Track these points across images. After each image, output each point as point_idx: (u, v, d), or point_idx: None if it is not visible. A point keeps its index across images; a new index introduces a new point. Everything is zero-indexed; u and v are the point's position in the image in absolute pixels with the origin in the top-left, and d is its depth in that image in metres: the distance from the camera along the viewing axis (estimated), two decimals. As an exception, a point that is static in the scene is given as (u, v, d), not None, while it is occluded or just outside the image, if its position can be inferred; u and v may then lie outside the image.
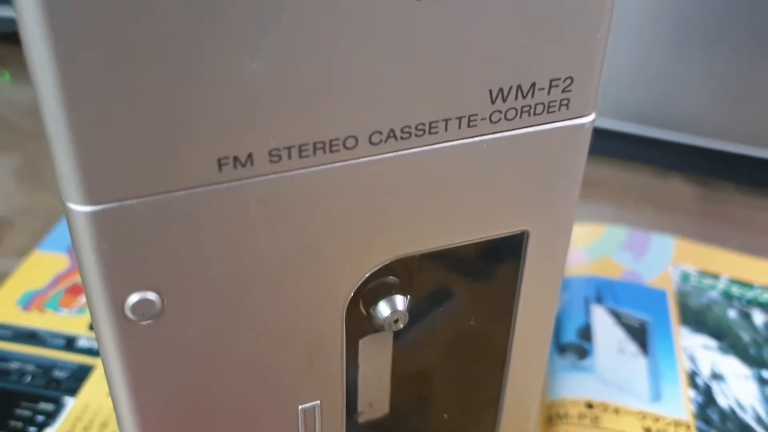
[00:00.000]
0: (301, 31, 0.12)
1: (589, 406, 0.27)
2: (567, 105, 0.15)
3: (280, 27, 0.12)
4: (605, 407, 0.27)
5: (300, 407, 0.17)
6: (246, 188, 0.13)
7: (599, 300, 0.32)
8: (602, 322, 0.31)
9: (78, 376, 0.29)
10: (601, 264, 0.34)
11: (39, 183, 0.41)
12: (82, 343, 0.31)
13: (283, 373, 0.16)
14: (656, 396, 0.28)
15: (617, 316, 0.31)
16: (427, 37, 0.13)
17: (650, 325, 0.31)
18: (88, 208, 0.12)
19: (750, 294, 0.33)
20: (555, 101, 0.15)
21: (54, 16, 0.11)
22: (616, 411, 0.27)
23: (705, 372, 0.29)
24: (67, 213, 0.13)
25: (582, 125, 0.15)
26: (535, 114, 0.15)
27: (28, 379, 0.29)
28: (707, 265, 0.35)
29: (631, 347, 0.30)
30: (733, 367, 0.29)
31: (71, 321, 0.31)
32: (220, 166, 0.13)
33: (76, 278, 0.34)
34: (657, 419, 0.27)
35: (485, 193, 0.16)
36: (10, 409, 0.28)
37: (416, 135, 0.14)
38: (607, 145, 0.44)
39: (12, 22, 0.11)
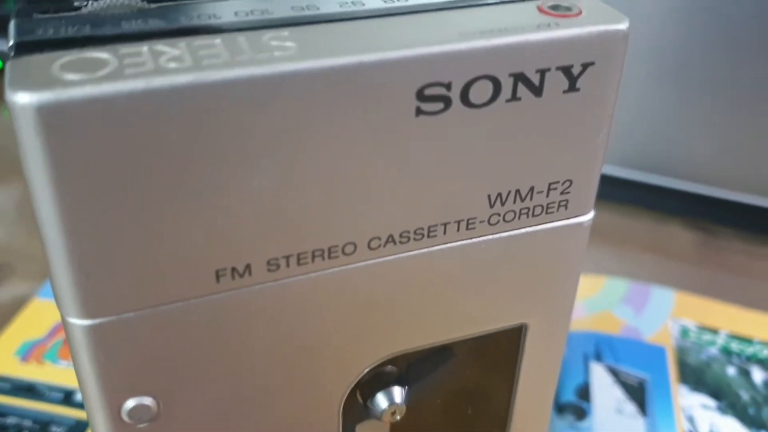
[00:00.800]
0: (303, 150, 0.12)
1: (587, 470, 0.27)
2: (566, 206, 0.15)
3: (282, 147, 0.12)
4: (603, 472, 0.27)
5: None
6: (243, 296, 0.13)
7: (598, 357, 0.32)
8: (601, 381, 0.31)
9: (75, 432, 0.29)
10: (600, 318, 0.34)
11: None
12: (80, 397, 0.30)
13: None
14: (655, 460, 0.28)
15: (616, 374, 0.31)
16: (425, 149, 0.13)
17: (649, 383, 0.31)
18: (86, 322, 0.12)
19: (749, 350, 0.33)
20: (554, 203, 0.15)
21: (54, 150, 0.11)
22: (615, 476, 0.27)
23: (704, 433, 0.29)
24: (64, 324, 0.13)
25: (580, 224, 0.15)
26: (533, 215, 0.15)
27: (25, 435, 0.29)
28: (706, 319, 0.35)
29: (630, 408, 0.30)
30: (731, 429, 0.29)
31: (70, 374, 0.31)
32: (217, 277, 0.13)
33: (75, 327, 0.34)
34: (656, 485, 0.27)
35: (483, 290, 0.16)
36: (6, 468, 0.27)
37: (414, 239, 0.14)
38: (607, 190, 0.44)
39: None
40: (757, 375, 0.32)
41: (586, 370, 0.31)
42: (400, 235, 0.14)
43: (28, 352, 0.32)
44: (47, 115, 0.10)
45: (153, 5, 0.13)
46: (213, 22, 0.13)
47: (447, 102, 0.13)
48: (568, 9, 0.14)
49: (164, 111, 0.11)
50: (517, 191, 0.14)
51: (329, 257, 0.14)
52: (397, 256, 0.14)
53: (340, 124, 0.12)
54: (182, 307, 0.13)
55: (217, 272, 0.13)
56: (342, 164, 0.13)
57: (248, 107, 0.11)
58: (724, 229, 0.44)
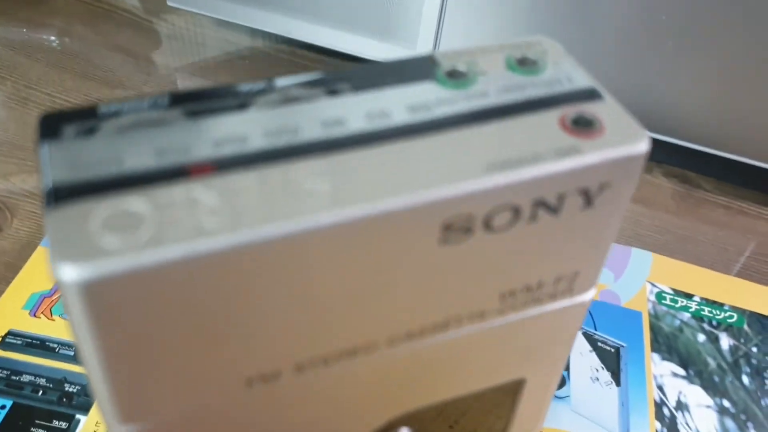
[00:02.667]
0: (334, 276, 0.13)
1: (563, 438, 0.29)
2: (570, 291, 0.16)
3: (314, 280, 0.13)
4: (578, 440, 0.29)
5: None
6: (271, 394, 0.14)
7: (579, 323, 0.34)
8: (579, 348, 0.33)
9: (88, 392, 0.31)
10: (583, 282, 0.35)
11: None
12: (87, 353, 0.32)
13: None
14: (625, 428, 0.30)
15: (594, 341, 0.33)
16: (445, 268, 0.14)
17: (624, 350, 0.33)
18: (124, 428, 0.13)
19: (720, 315, 0.35)
20: (559, 290, 0.16)
21: (97, 315, 0.11)
22: (588, 445, 0.29)
23: (671, 402, 0.32)
24: (107, 424, 0.14)
25: (583, 302, 0.16)
26: (540, 302, 0.16)
27: (40, 393, 0.30)
28: (682, 284, 0.36)
29: (605, 376, 0.32)
30: (697, 397, 0.32)
31: (74, 328, 0.33)
32: (249, 383, 0.14)
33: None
34: (624, 453, 0.29)
35: (489, 357, 0.17)
36: (26, 427, 0.29)
37: (429, 332, 0.15)
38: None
39: None
40: (725, 341, 0.34)
41: (568, 338, 0.33)
42: (417, 331, 0.15)
43: (36, 306, 0.33)
44: (91, 290, 0.11)
45: (174, 110, 0.13)
46: (244, 150, 0.13)
47: (469, 231, 0.13)
48: (591, 125, 0.14)
49: (203, 271, 0.11)
50: (527, 286, 0.15)
51: (352, 355, 0.14)
52: (413, 345, 0.15)
53: (367, 256, 0.13)
54: (217, 410, 0.14)
55: (248, 379, 0.14)
56: (366, 285, 0.13)
57: (284, 257, 0.12)
58: (706, 181, 0.45)
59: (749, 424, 0.31)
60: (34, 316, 0.33)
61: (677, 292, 0.36)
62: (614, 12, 0.40)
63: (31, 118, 0.44)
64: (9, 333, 0.32)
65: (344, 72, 0.15)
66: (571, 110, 0.14)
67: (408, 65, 0.15)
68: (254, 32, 0.53)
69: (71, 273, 0.11)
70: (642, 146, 0.14)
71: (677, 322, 0.35)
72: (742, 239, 0.42)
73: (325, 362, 0.14)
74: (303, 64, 0.51)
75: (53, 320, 0.33)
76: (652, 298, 0.36)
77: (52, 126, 0.13)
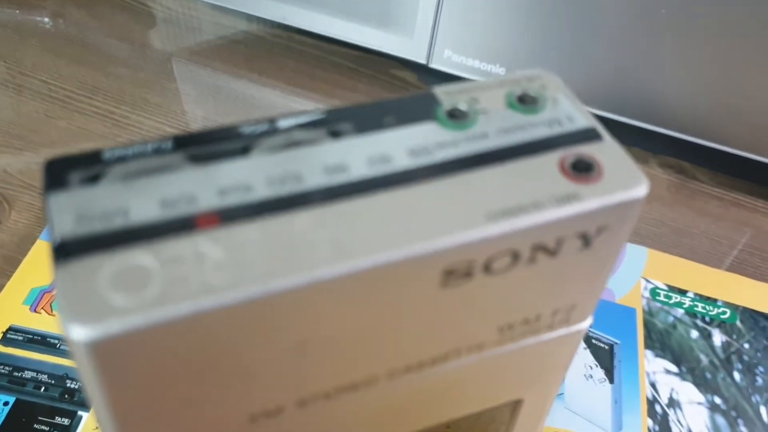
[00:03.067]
0: (336, 322, 0.13)
1: (557, 436, 0.30)
2: (567, 322, 0.16)
3: (317, 327, 0.13)
4: (571, 438, 0.30)
5: None
6: (275, 427, 0.15)
7: (574, 320, 0.34)
8: (575, 346, 0.33)
9: (86, 387, 0.31)
10: (578, 278, 0.36)
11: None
12: (88, 349, 0.32)
13: None
14: (617, 427, 0.31)
15: (588, 338, 0.34)
16: (446, 308, 0.14)
17: (618, 347, 0.34)
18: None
19: (713, 311, 0.36)
20: (557, 321, 0.16)
21: (105, 371, 0.11)
22: (581, 442, 0.30)
23: (663, 399, 0.32)
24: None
25: (579, 330, 0.17)
26: (537, 332, 0.16)
27: (43, 389, 0.31)
28: (676, 279, 0.37)
29: (599, 373, 0.33)
30: (689, 394, 0.32)
31: (75, 324, 0.33)
32: (253, 419, 0.14)
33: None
34: (616, 451, 0.30)
35: (488, 382, 0.17)
36: (29, 423, 0.30)
37: (429, 365, 0.15)
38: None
39: None
40: (717, 338, 0.35)
41: (562, 335, 0.33)
42: (417, 365, 0.15)
43: (36, 301, 0.34)
44: (99, 349, 0.11)
45: (178, 155, 0.13)
46: (248, 199, 0.13)
47: (469, 275, 0.14)
48: (590, 169, 0.14)
49: (209, 325, 0.12)
50: (525, 319, 0.16)
51: (353, 390, 0.15)
52: (413, 377, 0.16)
53: (370, 303, 0.13)
54: (220, 444, 0.14)
55: (251, 415, 0.14)
56: (368, 328, 0.14)
57: (288, 308, 0.12)
58: (701, 172, 0.45)
59: (740, 421, 0.32)
60: (35, 311, 0.33)
61: (671, 288, 0.36)
62: (613, 4, 0.40)
63: (27, 106, 0.44)
64: (10, 328, 0.33)
65: (346, 110, 0.15)
66: (570, 153, 0.14)
67: (409, 104, 0.15)
68: (250, 17, 0.53)
69: (80, 333, 0.11)
70: (641, 190, 0.14)
71: (671, 319, 0.35)
72: (736, 232, 0.42)
73: (326, 396, 0.15)
74: (299, 49, 0.51)
75: (53, 315, 0.33)
76: (647, 294, 0.36)
77: (56, 174, 0.13)
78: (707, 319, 0.35)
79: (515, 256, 0.14)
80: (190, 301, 0.11)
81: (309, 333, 0.13)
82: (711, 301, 0.36)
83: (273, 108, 0.47)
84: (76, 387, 0.31)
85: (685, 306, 0.36)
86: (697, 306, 0.36)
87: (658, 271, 0.37)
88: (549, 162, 0.14)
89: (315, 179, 0.13)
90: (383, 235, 0.13)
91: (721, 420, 0.32)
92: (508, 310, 0.15)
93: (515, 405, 0.18)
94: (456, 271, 0.13)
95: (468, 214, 0.13)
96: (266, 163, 0.14)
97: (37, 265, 0.35)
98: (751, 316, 0.36)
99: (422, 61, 0.48)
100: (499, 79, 0.16)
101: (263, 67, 0.49)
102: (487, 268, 0.14)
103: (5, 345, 0.32)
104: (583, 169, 0.14)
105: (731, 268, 0.39)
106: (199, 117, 0.45)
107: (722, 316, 0.36)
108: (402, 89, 0.49)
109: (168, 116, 0.45)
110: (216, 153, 0.14)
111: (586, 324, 0.17)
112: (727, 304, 0.36)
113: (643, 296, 0.36)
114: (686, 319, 0.35)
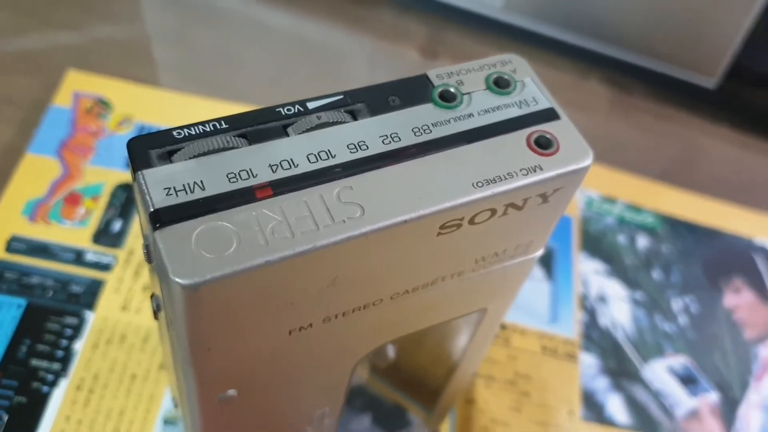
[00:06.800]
0: (362, 261, 0.17)
1: (503, 327, 0.36)
2: (526, 252, 0.21)
3: (348, 269, 0.17)
4: (514, 329, 0.36)
5: (316, 412, 0.24)
6: (305, 338, 0.19)
7: (520, 227, 0.39)
8: (521, 250, 0.38)
9: (92, 291, 0.35)
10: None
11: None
12: (90, 257, 0.36)
13: (313, 403, 0.23)
14: (554, 318, 0.37)
15: (533, 244, 0.39)
16: (438, 249, 0.18)
17: (555, 251, 0.39)
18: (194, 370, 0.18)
19: (639, 218, 0.41)
20: (519, 252, 0.21)
21: (191, 307, 0.16)
22: (522, 332, 0.36)
23: (593, 295, 0.38)
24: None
25: (534, 257, 0.22)
26: (503, 261, 0.21)
27: (50, 293, 0.34)
28: (609, 189, 0.42)
29: (539, 273, 0.38)
30: (615, 290, 0.38)
31: (76, 234, 0.36)
32: (290, 333, 0.19)
33: (72, 186, 0.38)
34: (552, 338, 0.36)
35: (463, 295, 0.22)
36: (41, 323, 0.33)
37: (422, 288, 0.20)
38: (537, 40, 0.48)
39: None
40: (641, 242, 0.41)
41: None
42: (413, 289, 0.20)
43: (33, 212, 0.37)
44: (195, 293, 0.15)
45: (233, 134, 0.17)
46: (294, 173, 0.17)
47: (459, 226, 0.18)
48: (550, 145, 0.18)
49: (272, 273, 0.16)
50: (495, 253, 0.20)
51: (363, 309, 0.19)
52: (408, 297, 0.20)
53: (385, 251, 0.17)
54: (268, 352, 0.19)
55: (290, 332, 0.18)
56: (382, 268, 0.18)
57: (328, 259, 0.16)
58: (637, 88, 0.50)
59: (654, 312, 0.38)
60: (33, 221, 0.36)
61: (604, 198, 0.42)
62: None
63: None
64: (13, 238, 0.36)
65: (360, 92, 0.18)
66: (536, 131, 0.18)
67: (408, 85, 0.19)
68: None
69: (182, 282, 0.15)
70: (588, 161, 0.18)
71: (602, 225, 0.41)
72: (666, 144, 0.47)
73: (343, 315, 0.19)
74: None
75: (50, 225, 0.36)
76: (582, 204, 0.41)
77: (141, 153, 0.16)
78: (633, 225, 0.41)
79: (493, 212, 0.18)
80: (260, 257, 0.15)
81: (340, 272, 0.17)
82: (637, 209, 0.42)
83: (245, 20, 0.49)
84: (80, 291, 0.35)
85: (615, 213, 0.41)
86: (625, 215, 0.41)
87: (593, 181, 0.42)
88: (519, 139, 0.18)
89: (343, 155, 0.17)
90: (399, 200, 0.17)
91: (640, 312, 0.38)
92: (483, 247, 0.19)
93: (481, 313, 0.23)
94: (448, 225, 0.18)
95: (460, 184, 0.17)
96: (304, 142, 0.17)
97: (29, 177, 0.38)
98: (670, 222, 0.42)
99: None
100: (479, 63, 0.20)
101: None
102: (472, 221, 0.18)
103: (11, 253, 0.35)
104: (544, 145, 0.18)
105: (660, 178, 0.44)
106: (168, 29, 0.47)
107: (645, 223, 0.41)
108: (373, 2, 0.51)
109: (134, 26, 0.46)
110: (262, 132, 0.17)
111: (539, 252, 0.21)
112: (651, 212, 0.42)
113: (578, 207, 0.41)
114: (615, 225, 0.41)
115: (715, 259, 0.41)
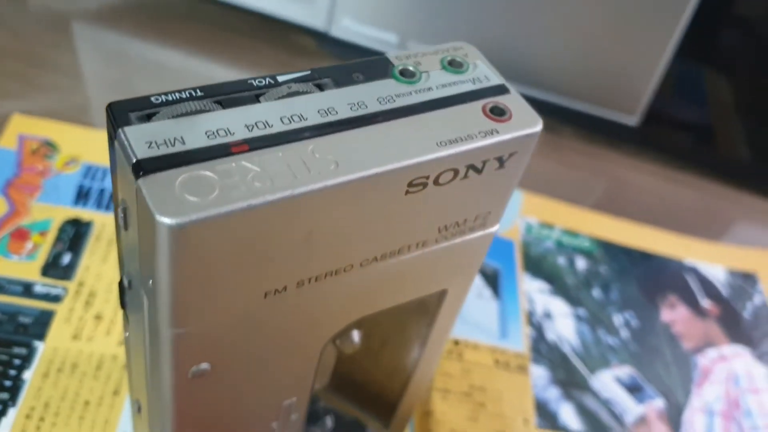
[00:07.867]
0: (330, 219, 0.18)
1: (456, 343, 0.37)
2: (484, 226, 0.22)
3: (320, 222, 0.18)
4: (467, 344, 0.37)
5: (284, 403, 0.24)
6: (279, 303, 0.20)
7: (466, 251, 0.41)
8: (468, 272, 0.40)
9: (42, 321, 0.34)
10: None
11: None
12: (39, 289, 0.35)
13: (282, 389, 0.23)
14: (504, 333, 0.38)
15: (479, 266, 0.40)
16: (405, 209, 0.20)
17: (501, 272, 0.41)
18: (172, 330, 0.18)
19: (575, 242, 0.44)
20: (477, 224, 0.22)
21: (175, 247, 0.16)
22: (475, 347, 0.37)
23: (539, 312, 0.39)
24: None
25: (491, 232, 0.23)
26: (463, 233, 0.22)
27: (-2, 325, 0.34)
28: (546, 216, 0.44)
29: (487, 292, 0.39)
30: (559, 307, 0.40)
31: (24, 267, 0.36)
32: (265, 295, 0.19)
33: (18, 222, 0.38)
34: (503, 352, 0.37)
35: (426, 271, 0.23)
36: (-11, 354, 0.33)
37: (390, 256, 0.21)
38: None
39: None
40: (580, 263, 0.42)
41: (458, 263, 0.40)
42: (380, 256, 0.21)
43: (-21, 248, 0.36)
44: (179, 233, 0.16)
45: (209, 100, 0.18)
46: (269, 132, 0.18)
47: (425, 185, 0.19)
48: (504, 113, 0.20)
49: (252, 219, 0.17)
50: (456, 222, 0.21)
51: (334, 274, 0.20)
52: (377, 266, 0.21)
53: (357, 205, 0.18)
54: (242, 316, 0.19)
55: (265, 293, 0.19)
56: (353, 224, 0.19)
57: (303, 208, 0.17)
58: (566, 128, 0.53)
59: (597, 327, 0.40)
60: (-19, 257, 0.36)
61: (542, 224, 0.44)
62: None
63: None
64: (-43, 273, 0.35)
65: (325, 69, 0.20)
66: (490, 102, 0.20)
67: (370, 65, 0.20)
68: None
69: (167, 221, 0.16)
70: (538, 127, 0.20)
71: (542, 249, 0.43)
72: (594, 179, 0.50)
73: (317, 279, 0.20)
74: (201, 15, 0.54)
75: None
76: (522, 230, 0.43)
77: (120, 113, 0.17)
78: (571, 248, 0.43)
79: (455, 173, 0.19)
80: (242, 201, 0.16)
81: (315, 225, 0.18)
82: (574, 234, 0.44)
83: (185, 71, 0.50)
84: (29, 322, 0.34)
85: (553, 238, 0.43)
86: (563, 239, 0.43)
87: (532, 209, 0.44)
88: (476, 108, 0.20)
89: (314, 118, 0.18)
90: (369, 157, 0.18)
91: (584, 327, 0.39)
92: (446, 213, 0.21)
93: (441, 294, 0.24)
94: (416, 183, 0.19)
95: (425, 143, 0.19)
96: (276, 107, 0.18)
97: (-25, 216, 0.37)
98: (605, 246, 0.44)
99: (322, 28, 0.53)
100: (433, 48, 0.21)
101: (168, 30, 0.52)
102: (437, 180, 0.19)
103: (-45, 288, 0.34)
104: (499, 113, 0.20)
105: (591, 208, 0.47)
106: (110, 79, 0.48)
107: (582, 246, 0.43)
108: (303, 56, 0.53)
109: (78, 78, 0.47)
110: (236, 99, 0.18)
111: (495, 228, 0.23)
112: (587, 237, 0.44)
113: (519, 232, 0.43)
114: (555, 249, 0.43)
115: (649, 278, 0.43)
